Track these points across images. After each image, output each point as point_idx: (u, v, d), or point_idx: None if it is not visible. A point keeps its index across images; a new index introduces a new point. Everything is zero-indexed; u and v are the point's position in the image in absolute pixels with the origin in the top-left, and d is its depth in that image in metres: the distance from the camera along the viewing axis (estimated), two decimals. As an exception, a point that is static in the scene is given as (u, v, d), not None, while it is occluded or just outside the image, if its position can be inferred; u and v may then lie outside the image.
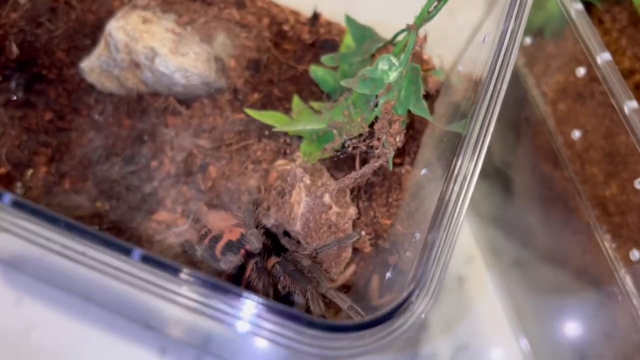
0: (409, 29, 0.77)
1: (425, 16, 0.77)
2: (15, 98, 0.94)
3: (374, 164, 0.74)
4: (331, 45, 1.00)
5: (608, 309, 0.92)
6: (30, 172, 0.91)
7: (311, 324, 0.53)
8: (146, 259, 0.53)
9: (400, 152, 0.88)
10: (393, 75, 0.77)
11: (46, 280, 0.95)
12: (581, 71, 0.94)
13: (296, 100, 0.93)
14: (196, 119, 0.92)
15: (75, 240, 0.54)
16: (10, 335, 0.93)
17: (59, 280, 0.93)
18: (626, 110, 0.80)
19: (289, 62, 0.98)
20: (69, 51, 0.97)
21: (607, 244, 0.91)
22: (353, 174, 0.75)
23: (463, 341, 1.10)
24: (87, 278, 0.73)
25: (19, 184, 0.90)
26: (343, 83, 0.77)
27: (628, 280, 0.85)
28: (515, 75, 1.02)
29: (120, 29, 0.87)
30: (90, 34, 0.98)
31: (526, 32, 0.95)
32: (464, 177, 0.67)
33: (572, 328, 1.04)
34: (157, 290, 0.54)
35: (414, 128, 0.91)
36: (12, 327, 0.93)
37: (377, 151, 0.75)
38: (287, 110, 0.93)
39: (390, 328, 0.56)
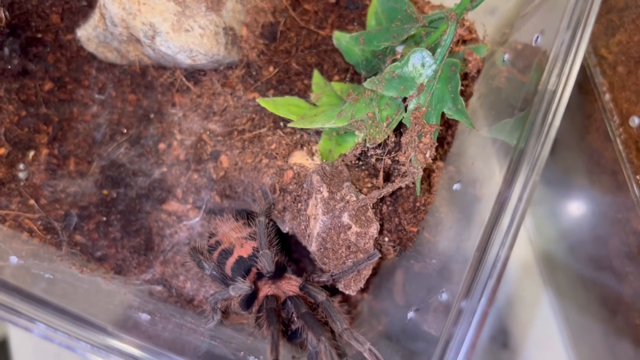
0: (447, 17, 0.64)
1: (468, 5, 0.64)
2: (10, 67, 0.86)
3: (399, 184, 0.66)
4: (358, 5, 0.86)
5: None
6: (32, 153, 0.85)
7: None
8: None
9: (432, 142, 0.78)
10: (426, 74, 0.66)
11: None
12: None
13: (316, 75, 0.82)
14: (205, 99, 0.83)
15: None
16: None
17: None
18: None
19: (309, 27, 0.85)
20: (64, 14, 0.87)
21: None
22: (375, 193, 0.66)
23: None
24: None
25: (21, 166, 0.84)
26: (367, 85, 0.67)
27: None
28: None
29: (115, 0, 0.76)
30: (85, -6, 0.87)
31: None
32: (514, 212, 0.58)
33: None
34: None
35: (448, 113, 0.79)
36: None
37: (403, 168, 0.66)
38: (307, 87, 0.83)
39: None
